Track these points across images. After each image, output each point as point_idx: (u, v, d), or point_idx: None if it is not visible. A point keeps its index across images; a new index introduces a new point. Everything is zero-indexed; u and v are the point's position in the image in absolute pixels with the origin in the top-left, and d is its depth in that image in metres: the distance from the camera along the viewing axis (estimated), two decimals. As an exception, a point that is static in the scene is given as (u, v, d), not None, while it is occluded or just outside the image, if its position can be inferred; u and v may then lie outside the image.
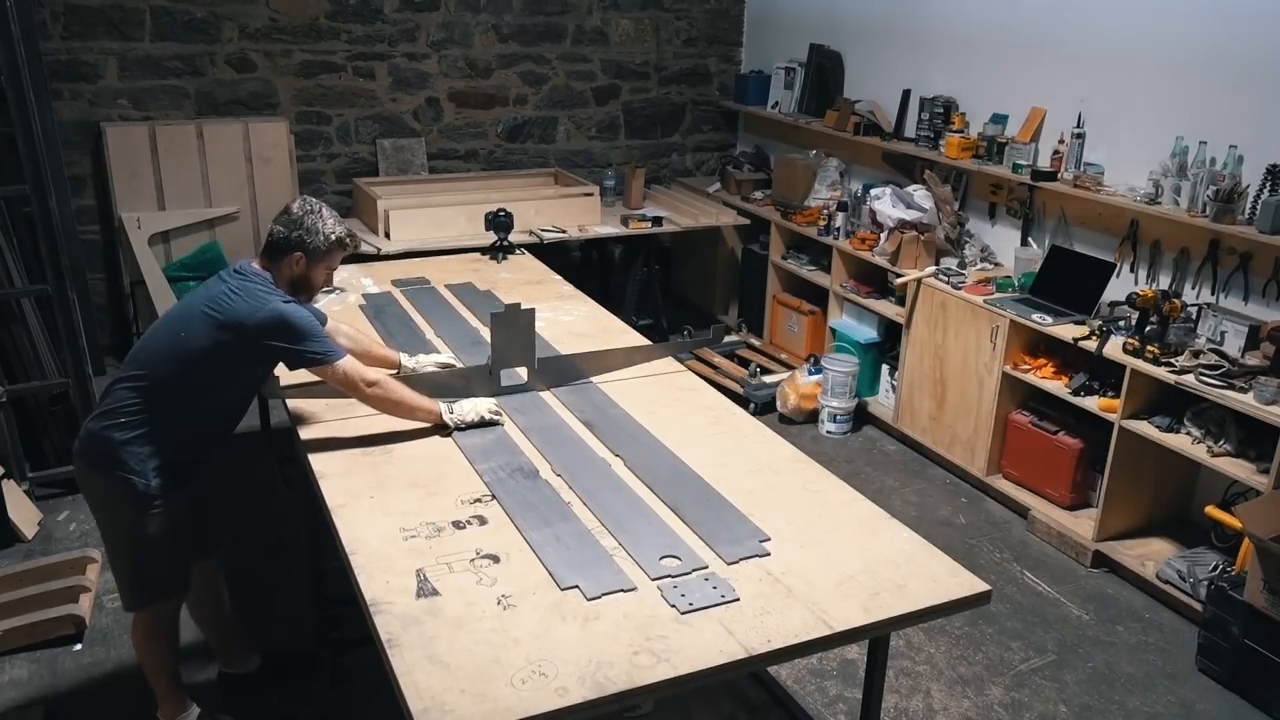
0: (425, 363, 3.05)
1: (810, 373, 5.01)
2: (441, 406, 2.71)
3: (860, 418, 5.06)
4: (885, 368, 5.05)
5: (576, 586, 2.02)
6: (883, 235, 4.88)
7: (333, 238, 2.61)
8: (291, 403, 2.82)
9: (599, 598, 1.99)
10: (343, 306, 3.67)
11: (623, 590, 2.02)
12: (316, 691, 3.08)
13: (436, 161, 5.99)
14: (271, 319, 2.46)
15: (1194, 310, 3.77)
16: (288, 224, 2.57)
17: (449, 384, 2.92)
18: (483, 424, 2.73)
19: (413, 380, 2.82)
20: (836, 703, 3.11)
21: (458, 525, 2.26)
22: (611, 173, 6.20)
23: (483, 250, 4.47)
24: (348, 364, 2.57)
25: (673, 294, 6.41)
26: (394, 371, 2.91)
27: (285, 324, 2.48)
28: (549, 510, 2.32)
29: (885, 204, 4.87)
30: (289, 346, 2.50)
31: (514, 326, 2.90)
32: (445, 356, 3.13)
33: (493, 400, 2.82)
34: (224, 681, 3.08)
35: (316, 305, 2.78)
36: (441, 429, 2.71)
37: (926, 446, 4.72)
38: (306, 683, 3.11)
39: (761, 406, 5.09)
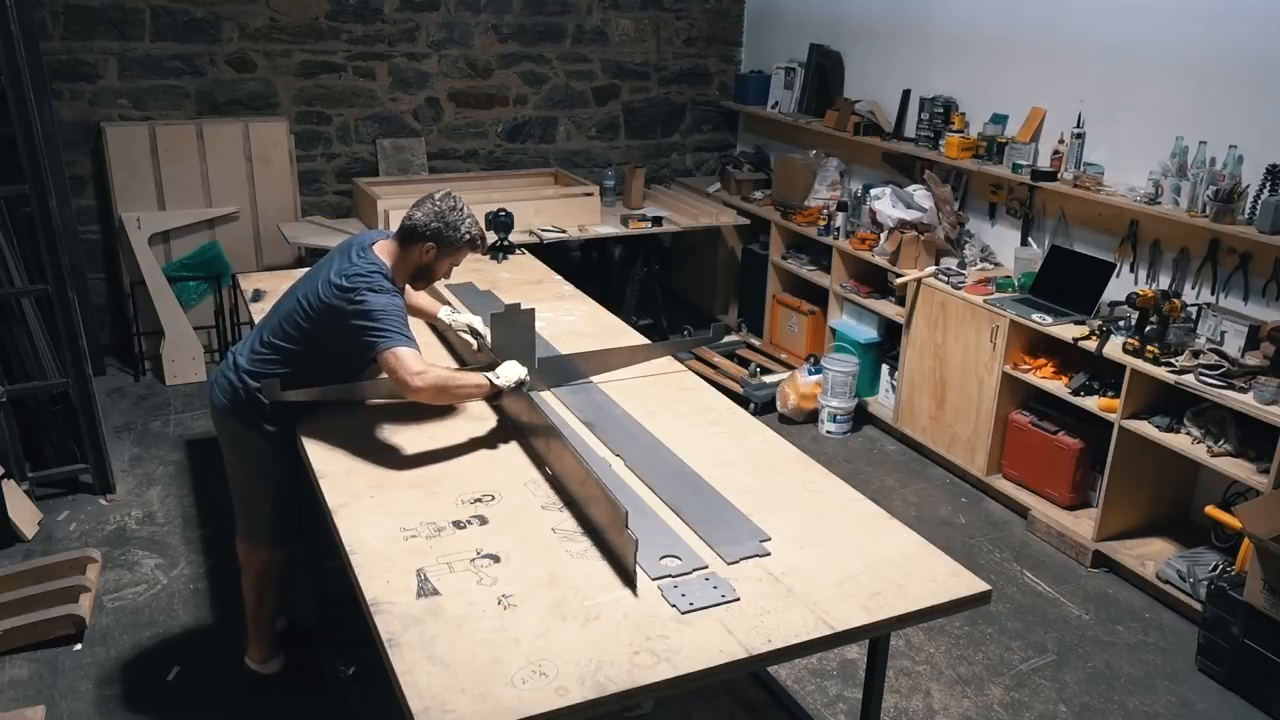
0: (459, 322, 3.08)
1: (810, 373, 5.01)
2: (488, 377, 2.69)
3: (860, 418, 5.06)
4: (885, 368, 5.05)
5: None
6: (883, 235, 4.88)
7: (467, 237, 2.71)
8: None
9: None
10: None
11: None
12: (323, 692, 3.08)
13: (436, 161, 5.99)
14: (350, 297, 2.55)
15: (1194, 310, 3.77)
16: (430, 214, 2.66)
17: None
18: (520, 386, 2.71)
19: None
20: (836, 703, 3.11)
21: (458, 525, 2.26)
22: (611, 173, 6.19)
23: (483, 250, 4.47)
24: (401, 351, 2.52)
25: (673, 294, 6.41)
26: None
27: (365, 309, 2.54)
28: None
29: (885, 204, 4.87)
30: (355, 324, 2.55)
31: (514, 326, 2.90)
32: (477, 321, 3.08)
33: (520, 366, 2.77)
34: (246, 676, 3.10)
35: None
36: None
37: (926, 446, 4.72)
38: (320, 682, 3.13)
39: (761, 406, 5.09)
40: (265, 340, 2.71)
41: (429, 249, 2.67)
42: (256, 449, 2.76)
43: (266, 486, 2.81)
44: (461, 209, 2.70)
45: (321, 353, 2.66)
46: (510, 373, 2.70)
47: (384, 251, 2.68)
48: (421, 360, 2.55)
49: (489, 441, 2.67)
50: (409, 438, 2.66)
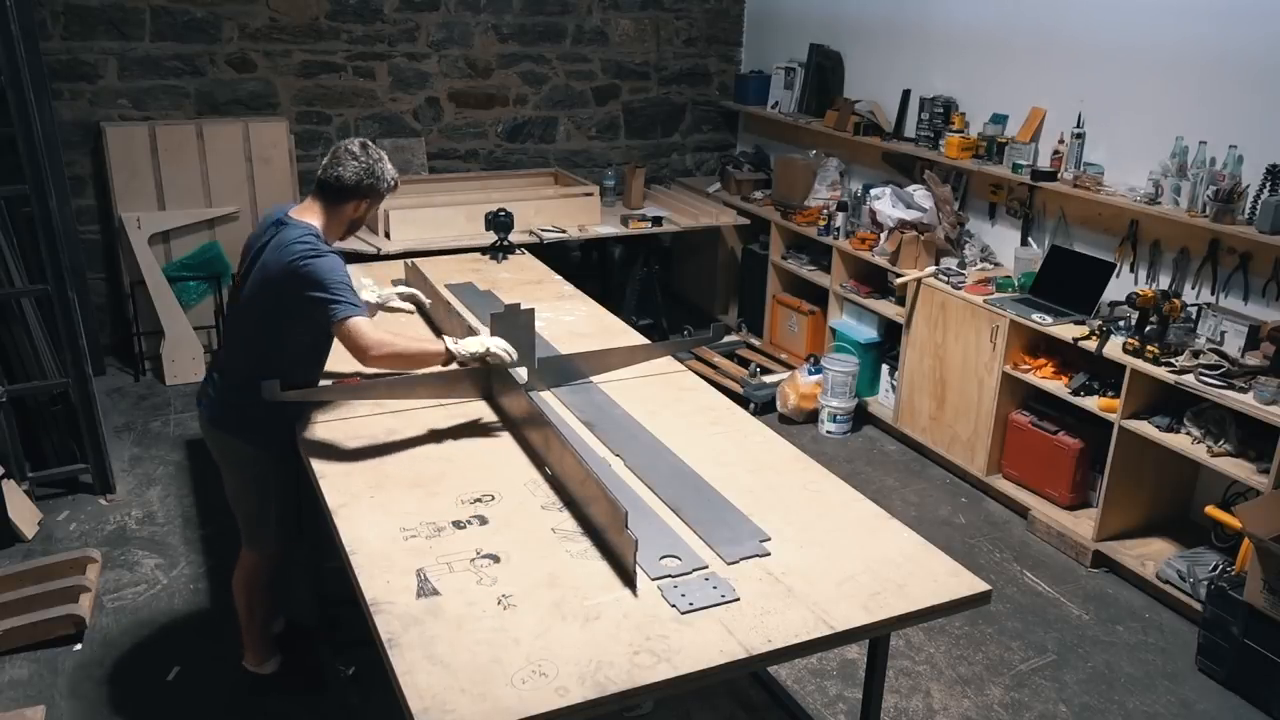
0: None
1: (810, 373, 5.01)
2: (446, 341, 2.69)
3: (860, 418, 5.06)
4: (885, 368, 5.05)
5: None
6: (883, 235, 4.88)
7: (393, 181, 2.68)
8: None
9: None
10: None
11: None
12: (323, 692, 3.08)
13: (436, 161, 5.99)
14: (295, 269, 2.50)
15: (1194, 310, 3.77)
16: (359, 171, 2.60)
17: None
18: (484, 358, 2.68)
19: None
20: (836, 703, 3.11)
21: (458, 525, 2.26)
22: (611, 173, 6.20)
23: (483, 250, 4.47)
24: (356, 323, 2.52)
25: (673, 294, 6.41)
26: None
27: (307, 274, 2.50)
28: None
29: (885, 204, 4.87)
30: (310, 295, 2.50)
31: (514, 326, 2.89)
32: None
33: (502, 341, 2.73)
34: (245, 677, 3.09)
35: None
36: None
37: (926, 446, 4.72)
38: (320, 683, 3.12)
39: (761, 406, 5.09)
40: (232, 350, 2.71)
41: (362, 205, 2.66)
42: (248, 458, 2.73)
43: (264, 494, 2.79)
44: (382, 158, 2.66)
45: (284, 337, 2.63)
46: (471, 346, 2.68)
47: (307, 214, 2.63)
48: (376, 330, 2.57)
49: (489, 441, 2.67)
50: (409, 438, 2.66)
